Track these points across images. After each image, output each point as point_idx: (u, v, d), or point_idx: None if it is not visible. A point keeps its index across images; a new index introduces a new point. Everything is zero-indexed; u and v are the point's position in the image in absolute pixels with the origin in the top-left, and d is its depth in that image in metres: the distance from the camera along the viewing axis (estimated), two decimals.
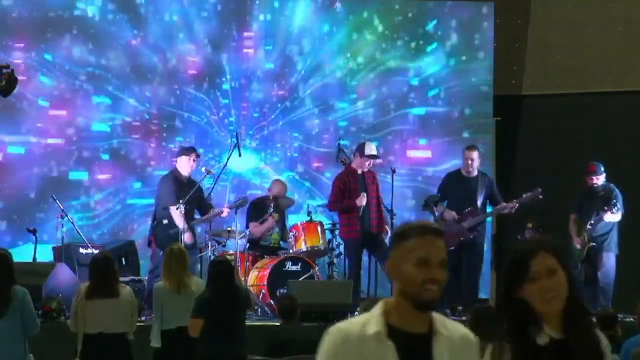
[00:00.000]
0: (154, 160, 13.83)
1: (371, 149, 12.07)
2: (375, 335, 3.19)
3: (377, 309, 3.24)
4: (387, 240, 11.98)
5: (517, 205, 12.12)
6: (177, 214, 11.50)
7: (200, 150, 12.67)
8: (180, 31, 14.00)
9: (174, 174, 11.89)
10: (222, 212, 11.80)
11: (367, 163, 12.02)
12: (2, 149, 13.26)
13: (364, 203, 11.83)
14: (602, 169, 12.16)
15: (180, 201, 11.39)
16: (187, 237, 11.47)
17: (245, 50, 14.15)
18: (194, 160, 11.88)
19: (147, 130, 13.81)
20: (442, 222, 11.93)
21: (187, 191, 11.63)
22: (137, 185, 13.76)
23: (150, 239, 11.89)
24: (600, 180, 12.15)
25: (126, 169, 13.73)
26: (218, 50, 14.05)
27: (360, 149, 12.07)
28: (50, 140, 13.46)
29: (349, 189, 11.96)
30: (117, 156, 13.67)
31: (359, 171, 12.02)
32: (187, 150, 12.03)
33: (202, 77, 14.03)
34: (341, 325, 3.24)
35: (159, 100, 13.84)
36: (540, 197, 12.03)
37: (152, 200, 12.59)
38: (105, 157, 13.64)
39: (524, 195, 12.18)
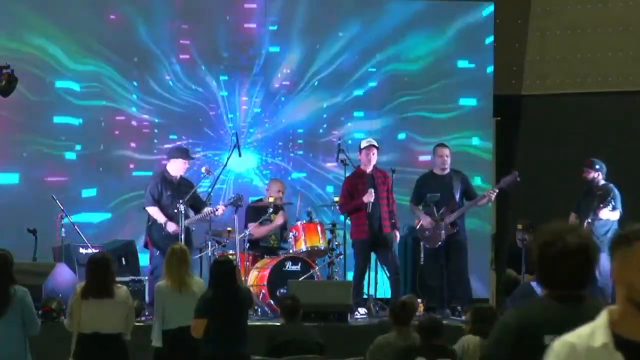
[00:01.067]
0: (135, 162, 13.41)
1: (366, 140, 12.15)
2: (602, 347, 3.10)
3: (602, 319, 3.14)
4: (396, 243, 12.02)
5: (497, 191, 12.17)
6: (153, 210, 11.54)
7: (198, 150, 12.31)
8: (170, 8, 13.44)
9: (163, 174, 11.77)
10: (217, 210, 11.72)
11: (371, 153, 11.99)
12: None
13: (371, 199, 11.79)
14: (598, 166, 12.10)
15: (181, 201, 11.35)
16: (170, 227, 11.41)
17: (246, 25, 13.69)
18: (187, 164, 11.74)
19: (132, 127, 13.41)
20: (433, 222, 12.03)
21: (179, 191, 11.57)
22: (92, 192, 13.27)
23: (146, 240, 11.81)
24: (591, 175, 12.08)
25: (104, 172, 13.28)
26: (214, 32, 13.56)
27: (359, 148, 12.09)
28: None
29: (357, 190, 11.94)
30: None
31: (368, 171, 12.02)
32: (181, 152, 11.87)
33: (196, 64, 13.54)
34: (567, 337, 3.15)
35: (146, 90, 13.39)
36: (518, 179, 12.07)
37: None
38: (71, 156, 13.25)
39: (502, 180, 12.24)
